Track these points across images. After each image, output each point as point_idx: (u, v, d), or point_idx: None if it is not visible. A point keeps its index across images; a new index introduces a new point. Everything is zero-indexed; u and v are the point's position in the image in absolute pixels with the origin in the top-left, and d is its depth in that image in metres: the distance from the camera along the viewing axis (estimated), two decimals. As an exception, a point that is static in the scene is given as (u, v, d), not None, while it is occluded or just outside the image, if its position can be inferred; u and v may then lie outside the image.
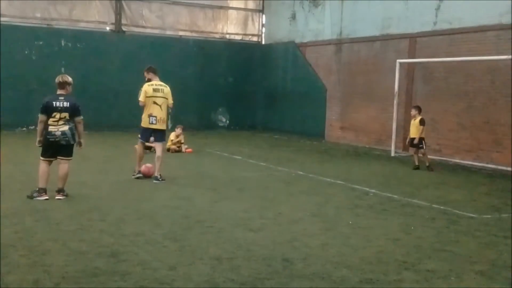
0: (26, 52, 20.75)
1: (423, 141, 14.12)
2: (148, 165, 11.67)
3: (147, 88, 11.40)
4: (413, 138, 14.14)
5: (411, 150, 14.72)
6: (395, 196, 10.29)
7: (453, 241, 7.28)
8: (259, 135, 22.77)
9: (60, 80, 9.17)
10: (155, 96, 11.32)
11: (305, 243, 6.88)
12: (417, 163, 14.15)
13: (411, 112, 14.55)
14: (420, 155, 14.25)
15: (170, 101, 11.58)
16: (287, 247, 6.70)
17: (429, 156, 14.38)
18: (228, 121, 24.77)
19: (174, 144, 16.15)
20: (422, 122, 14.08)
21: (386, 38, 18.87)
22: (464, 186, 11.96)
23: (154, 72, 11.65)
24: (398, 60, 17.22)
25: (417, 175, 13.28)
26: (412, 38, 17.82)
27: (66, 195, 9.14)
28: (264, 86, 25.08)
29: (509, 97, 14.77)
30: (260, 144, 19.64)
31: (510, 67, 14.64)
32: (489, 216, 8.94)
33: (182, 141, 16.37)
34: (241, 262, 6.03)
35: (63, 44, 21.41)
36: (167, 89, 11.54)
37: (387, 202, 9.79)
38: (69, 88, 9.22)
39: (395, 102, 17.08)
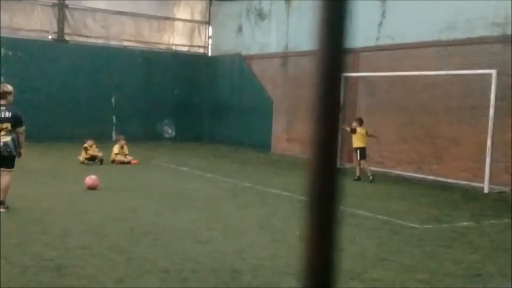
0: (-36, 60, 20.07)
1: (358, 150, 14.41)
2: (92, 176, 11.47)
3: None
4: (357, 148, 14.43)
5: (355, 162, 14.94)
6: (341, 207, 10.42)
7: (396, 250, 7.46)
8: (205, 147, 22.71)
9: (0, 90, 8.92)
10: None
11: (253, 254, 6.91)
12: (358, 174, 14.41)
13: (353, 124, 14.76)
14: (361, 166, 14.51)
15: None
16: (236, 259, 6.71)
17: (371, 168, 14.68)
18: (174, 133, 24.60)
19: (119, 155, 15.93)
20: (352, 131, 14.39)
21: (330, 52, 19.18)
22: (406, 197, 12.28)
23: None
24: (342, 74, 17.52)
25: (361, 187, 13.53)
26: (356, 52, 18.22)
27: (7, 208, 8.86)
28: (211, 97, 25.07)
29: (447, 111, 15.30)
30: (206, 155, 19.58)
31: (448, 82, 15.19)
32: (431, 226, 9.21)
33: (126, 152, 16.15)
34: (189, 274, 6.00)
35: (2, 53, 20.80)
36: None
37: (333, 213, 9.92)
38: (10, 98, 8.97)
39: (339, 115, 17.35)
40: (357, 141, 14.47)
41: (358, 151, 14.42)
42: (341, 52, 1.12)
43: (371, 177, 14.22)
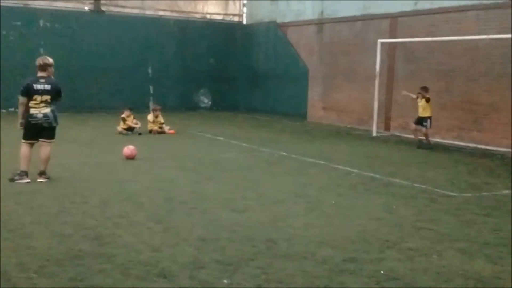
0: (3, 32, 20.40)
1: (429, 120, 14.29)
2: (130, 147, 11.62)
3: None
4: (421, 117, 14.35)
5: (412, 127, 14.77)
6: (377, 176, 10.38)
7: (434, 219, 7.38)
8: (241, 116, 22.75)
9: (41, 62, 9.01)
10: None
11: (289, 224, 6.93)
12: (418, 139, 14.52)
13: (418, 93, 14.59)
14: (421, 135, 14.45)
15: None
16: (271, 228, 6.74)
17: (408, 136, 14.51)
18: (210, 102, 24.70)
19: (153, 124, 16.06)
20: (427, 100, 14.22)
21: (367, 18, 18.87)
22: (445, 165, 12.09)
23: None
24: (379, 40, 17.25)
25: (398, 155, 13.41)
26: (393, 18, 17.85)
27: (48, 178, 9.07)
28: (246, 66, 24.99)
29: (488, 77, 14.92)
30: (242, 125, 19.63)
31: (489, 47, 14.77)
32: (469, 194, 9.07)
33: (162, 121, 16.26)
34: (225, 243, 6.06)
35: (41, 24, 21.09)
36: None
37: (369, 181, 9.88)
38: (51, 70, 9.06)
39: (376, 82, 17.15)
40: (421, 110, 14.35)
41: (429, 121, 14.29)
42: None
43: (427, 145, 14.31)
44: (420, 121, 14.38)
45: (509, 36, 13.71)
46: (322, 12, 20.90)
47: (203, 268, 5.31)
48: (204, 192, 8.62)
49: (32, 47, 19.85)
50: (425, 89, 14.43)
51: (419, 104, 14.44)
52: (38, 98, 8.80)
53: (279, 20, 23.14)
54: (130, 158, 11.41)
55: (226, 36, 24.80)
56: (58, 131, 9.28)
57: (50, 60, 9.10)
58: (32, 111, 8.83)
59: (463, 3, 15.49)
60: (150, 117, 16.26)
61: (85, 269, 5.20)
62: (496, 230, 6.93)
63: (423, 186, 9.52)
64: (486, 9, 14.89)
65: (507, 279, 5.28)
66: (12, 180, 8.85)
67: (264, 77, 24.02)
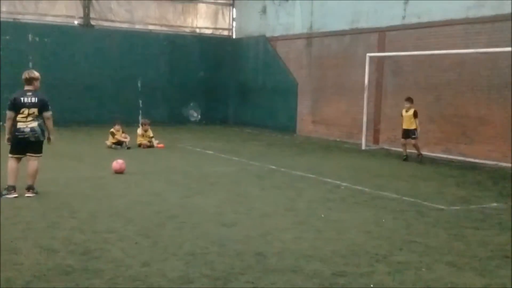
0: (-8, 47, 20.34)
1: (416, 131, 14.42)
2: (119, 161, 11.58)
3: None
4: (406, 129, 14.45)
5: (402, 141, 14.85)
6: (366, 189, 10.40)
7: (423, 232, 7.39)
8: (230, 130, 22.76)
9: (27, 76, 9.01)
10: None
11: (278, 237, 6.92)
12: (405, 154, 14.58)
13: (405, 104, 14.64)
14: (414, 148, 14.60)
15: None
16: (260, 242, 6.73)
17: (397, 149, 14.58)
18: (199, 116, 24.70)
19: (143, 138, 16.01)
20: (415, 114, 14.37)
21: (356, 32, 19.01)
22: (433, 178, 12.14)
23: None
24: (367, 54, 17.37)
25: (387, 168, 13.45)
26: (382, 32, 17.99)
27: (36, 193, 9.01)
28: (236, 80, 25.06)
29: (476, 90, 15.04)
30: (232, 138, 19.63)
31: (476, 61, 14.91)
32: (458, 207, 9.10)
33: (151, 135, 16.22)
34: (214, 257, 6.04)
35: (30, 39, 21.05)
36: None
37: (359, 195, 9.89)
38: (37, 84, 9.05)
39: (365, 95, 17.23)
40: (408, 123, 14.49)
41: (416, 132, 14.45)
42: None
43: (420, 156, 14.52)
44: (407, 133, 14.48)
45: (496, 50, 13.87)
46: (311, 26, 21.03)
47: (192, 283, 5.28)
48: (193, 206, 8.60)
49: (21, 61, 19.76)
50: (410, 100, 14.53)
51: (404, 115, 14.53)
52: (26, 111, 8.77)
53: (269, 34, 23.25)
54: (119, 172, 11.36)
55: (215, 50, 24.87)
56: (46, 145, 9.23)
57: (36, 74, 9.09)
58: (19, 125, 8.79)
59: (450, 17, 15.65)
60: (139, 131, 16.23)
61: (73, 284, 5.16)
62: (485, 243, 6.95)
63: (412, 199, 9.55)
64: (473, 23, 15.05)
65: (496, 292, 5.29)
66: (-1, 195, 8.79)
67: (254, 91, 24.08)
